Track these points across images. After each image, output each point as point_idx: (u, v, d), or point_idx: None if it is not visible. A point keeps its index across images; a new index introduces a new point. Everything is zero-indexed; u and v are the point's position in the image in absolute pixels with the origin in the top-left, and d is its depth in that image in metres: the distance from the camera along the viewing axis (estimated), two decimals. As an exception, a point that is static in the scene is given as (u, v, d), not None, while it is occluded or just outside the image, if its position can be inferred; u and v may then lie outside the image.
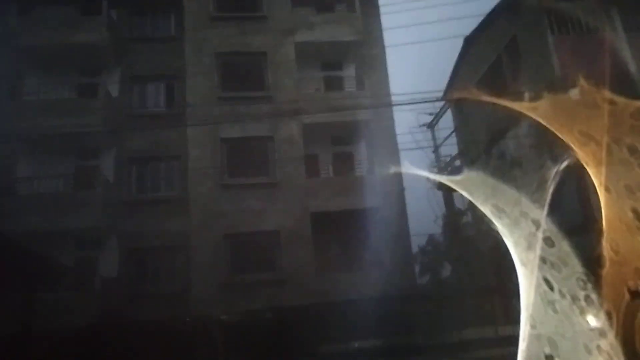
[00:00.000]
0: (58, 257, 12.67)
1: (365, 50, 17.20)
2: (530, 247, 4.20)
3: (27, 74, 15.93)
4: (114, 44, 16.17)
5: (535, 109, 4.71)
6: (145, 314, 12.62)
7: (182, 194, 15.12)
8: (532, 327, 4.09)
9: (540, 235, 4.14)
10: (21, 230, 12.04)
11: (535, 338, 4.06)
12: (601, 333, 3.67)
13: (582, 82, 3.93)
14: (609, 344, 3.65)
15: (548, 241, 4.12)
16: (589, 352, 3.60)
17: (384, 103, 15.83)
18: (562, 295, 3.81)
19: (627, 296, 3.80)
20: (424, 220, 17.23)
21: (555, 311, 3.95)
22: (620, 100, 3.90)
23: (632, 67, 12.03)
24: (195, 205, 14.89)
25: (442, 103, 16.51)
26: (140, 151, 15.52)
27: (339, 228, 15.19)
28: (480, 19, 15.08)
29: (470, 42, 16.49)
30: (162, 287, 14.56)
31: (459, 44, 16.80)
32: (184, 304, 13.49)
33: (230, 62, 16.41)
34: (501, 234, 4.48)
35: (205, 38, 16.41)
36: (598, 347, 3.59)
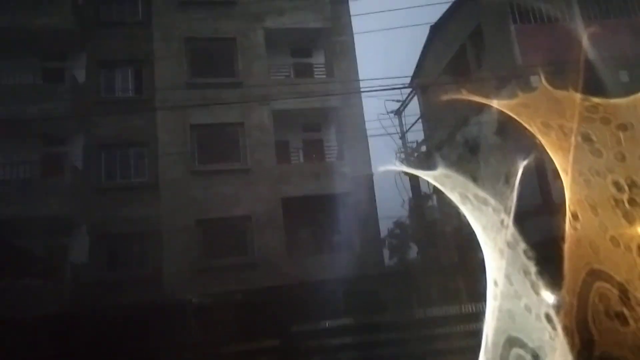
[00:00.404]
0: (27, 245, 12.53)
1: (334, 37, 17.38)
2: (490, 228, 4.57)
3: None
4: (80, 28, 15.83)
5: (499, 102, 5.05)
6: (117, 299, 12.66)
7: (153, 181, 15.10)
8: (495, 299, 4.49)
9: (498, 218, 4.52)
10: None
11: (498, 309, 4.46)
12: (550, 302, 4.08)
13: (542, 78, 4.28)
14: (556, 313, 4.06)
15: (504, 223, 4.50)
16: (539, 319, 3.99)
17: (353, 90, 16.11)
18: (516, 270, 4.20)
19: (583, 273, 4.20)
20: (392, 204, 17.71)
21: (510, 283, 4.35)
22: (577, 95, 4.30)
23: (591, 56, 12.63)
24: (166, 191, 14.91)
25: (409, 90, 16.89)
26: (109, 137, 15.33)
27: (309, 213, 15.51)
28: (447, 7, 15.48)
29: (436, 30, 16.89)
30: (134, 273, 14.59)
31: (426, 31, 17.21)
32: (156, 289, 13.58)
33: (199, 47, 16.34)
34: (467, 217, 4.85)
35: (174, 23, 16.28)
36: (547, 314, 3.99)
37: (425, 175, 5.09)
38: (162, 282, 13.94)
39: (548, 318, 4.11)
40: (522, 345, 4.07)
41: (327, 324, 7.67)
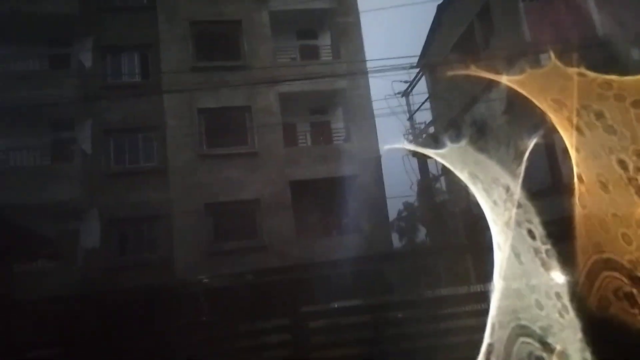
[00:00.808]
0: (38, 230, 12.66)
1: (339, 17, 17.20)
2: (500, 209, 4.55)
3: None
4: (85, 14, 15.78)
5: (510, 79, 4.97)
6: (128, 282, 12.83)
7: (161, 165, 15.17)
8: (505, 280, 4.50)
9: (507, 196, 4.49)
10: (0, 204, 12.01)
11: (505, 289, 4.46)
12: (560, 281, 4.07)
13: (552, 54, 4.21)
14: (566, 291, 4.07)
15: (514, 201, 4.47)
16: (549, 297, 4.00)
17: (359, 71, 15.99)
18: (526, 249, 4.19)
19: (591, 253, 4.18)
20: (400, 185, 17.69)
21: (520, 263, 4.34)
22: (589, 72, 4.23)
23: (601, 32, 12.42)
24: (175, 175, 14.98)
25: (416, 70, 16.72)
26: (117, 122, 15.39)
27: (317, 195, 15.53)
28: (454, -15, 15.22)
29: (443, 8, 16.65)
30: (145, 257, 14.75)
31: (433, 10, 16.98)
32: (166, 273, 13.74)
33: (205, 30, 16.25)
34: (476, 197, 4.82)
35: (179, 6, 16.17)
36: (557, 293, 3.99)
37: (434, 154, 5.05)
38: (172, 265, 14.09)
39: (558, 296, 4.10)
40: (529, 334, 4.05)
41: (336, 304, 7.74)
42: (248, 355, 6.34)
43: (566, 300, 4.10)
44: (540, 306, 4.19)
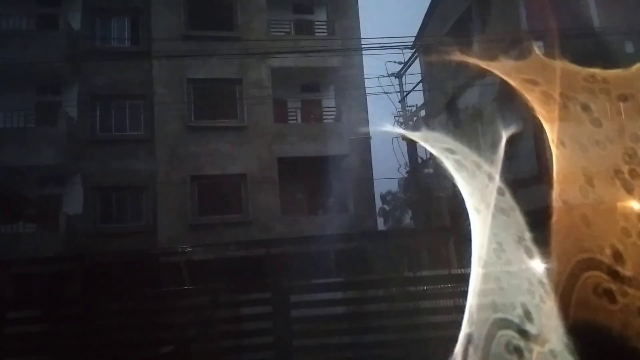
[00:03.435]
0: (21, 192, 12.51)
1: (336, -6, 16.94)
2: (483, 196, 4.55)
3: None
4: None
5: (500, 67, 4.94)
6: (111, 250, 12.78)
7: (148, 134, 14.98)
8: (482, 267, 4.50)
9: (492, 185, 4.48)
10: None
11: (483, 277, 4.47)
12: (543, 269, 4.11)
13: (534, 46, 4.18)
14: (549, 279, 4.10)
15: (500, 190, 4.46)
16: (531, 284, 4.03)
17: (353, 49, 15.81)
18: (510, 237, 4.20)
19: (574, 258, 4.20)
20: (388, 167, 17.70)
21: (502, 251, 4.35)
22: (574, 66, 4.22)
23: (596, 21, 12.41)
24: (161, 145, 14.81)
25: (411, 51, 16.57)
26: (104, 88, 15.11)
27: (305, 173, 15.49)
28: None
29: (442, -10, 16.43)
30: (128, 226, 14.67)
31: (431, -8, 16.73)
32: (149, 242, 13.69)
33: (198, -2, 15.90)
34: (458, 184, 4.80)
35: (172, -28, 15.78)
36: (539, 280, 4.02)
37: (419, 138, 5.03)
38: (155, 235, 14.03)
39: (540, 283, 4.13)
40: (507, 325, 4.07)
41: (317, 280, 7.80)
42: (228, 325, 6.38)
43: (549, 287, 4.13)
44: (520, 293, 4.22)
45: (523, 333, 4.01)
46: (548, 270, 4.14)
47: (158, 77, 15.14)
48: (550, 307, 3.91)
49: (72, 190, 14.39)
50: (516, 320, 4.07)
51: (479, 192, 4.54)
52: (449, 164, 4.72)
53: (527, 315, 4.02)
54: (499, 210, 4.44)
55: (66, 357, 6.12)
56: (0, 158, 12.86)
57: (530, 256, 4.21)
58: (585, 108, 4.26)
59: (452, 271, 6.94)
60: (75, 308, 6.76)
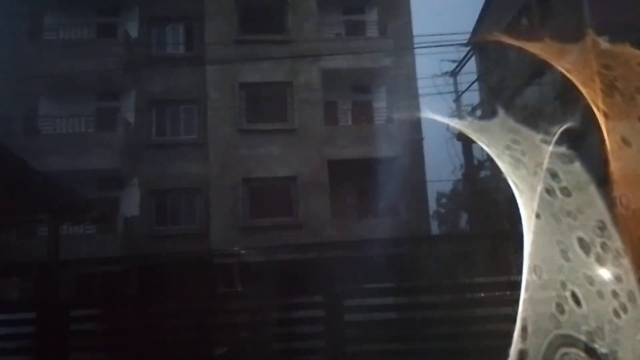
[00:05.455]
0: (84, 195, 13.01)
1: (388, -8, 16.65)
2: (545, 196, 4.13)
3: (45, 13, 15.84)
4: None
5: (562, 58, 4.51)
6: (165, 251, 13.06)
7: (201, 138, 15.25)
8: (539, 276, 4.07)
9: (556, 185, 4.06)
10: (44, 168, 12.34)
11: (540, 287, 4.04)
12: (617, 278, 3.66)
13: (600, 41, 3.77)
14: (626, 289, 3.64)
15: (565, 191, 4.02)
16: (602, 297, 3.60)
17: (405, 48, 15.45)
18: (577, 242, 3.80)
19: None
20: (441, 169, 17.15)
21: (567, 259, 3.92)
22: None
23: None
24: (214, 149, 15.04)
25: (466, 49, 16.00)
26: (160, 94, 15.54)
27: (356, 176, 15.26)
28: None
29: (499, -15, 15.80)
30: (182, 228, 14.97)
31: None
32: (202, 244, 13.91)
33: (250, 3, 16.05)
34: (516, 184, 4.38)
35: (225, -22, 16.03)
36: (613, 291, 3.59)
37: (472, 130, 4.64)
38: (208, 237, 14.23)
39: (614, 294, 3.68)
40: (572, 343, 3.66)
41: (370, 284, 7.61)
42: (281, 328, 6.32)
43: (625, 298, 3.67)
44: (588, 306, 3.78)
45: (591, 352, 3.60)
46: (618, 279, 3.72)
47: (211, 81, 15.40)
48: (626, 322, 3.48)
49: (129, 193, 14.86)
50: (583, 337, 3.65)
51: (541, 192, 4.17)
52: (507, 163, 4.37)
53: (597, 331, 3.61)
54: (564, 213, 4.07)
55: (123, 354, 6.25)
56: (63, 162, 13.45)
57: (601, 264, 3.82)
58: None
59: (512, 278, 6.52)
60: (132, 308, 6.91)
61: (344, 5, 17.21)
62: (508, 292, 5.84)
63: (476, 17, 17.15)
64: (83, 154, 13.88)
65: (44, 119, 15.14)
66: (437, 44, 16.31)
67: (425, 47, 14.90)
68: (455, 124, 4.85)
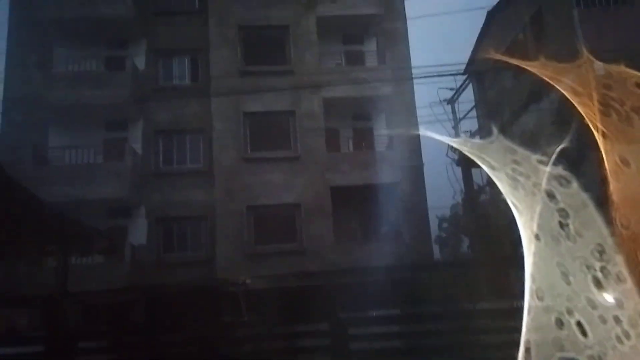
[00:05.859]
0: (92, 225, 13.19)
1: (386, 24, 17.15)
2: (544, 218, 4.22)
3: (55, 46, 16.30)
4: (140, 17, 16.40)
5: (559, 80, 4.74)
6: (172, 280, 13.19)
7: (207, 167, 15.54)
8: (540, 299, 4.15)
9: (554, 206, 4.17)
10: (53, 199, 12.57)
11: (543, 310, 4.11)
12: (618, 304, 3.75)
13: (595, 66, 4.02)
14: (627, 314, 3.72)
15: (562, 212, 4.13)
16: (605, 321, 3.70)
17: (404, 77, 15.86)
18: (577, 266, 3.90)
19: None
20: (442, 195, 17.38)
21: (568, 283, 4.01)
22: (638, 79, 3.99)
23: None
24: (219, 177, 15.31)
25: (463, 77, 16.43)
26: (167, 124, 15.90)
27: (358, 202, 15.49)
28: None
29: (493, 15, 16.32)
30: (188, 255, 15.13)
31: (483, 16, 16.66)
32: (208, 271, 14.05)
33: (253, 35, 16.54)
34: (515, 206, 4.50)
35: (229, 11, 16.54)
36: (615, 317, 3.68)
37: (470, 151, 4.80)
38: (214, 265, 14.38)
39: (616, 319, 3.74)
40: None
41: (375, 312, 7.70)
42: (286, 356, 6.38)
43: (627, 325, 3.72)
44: (593, 333, 3.82)
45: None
46: (620, 305, 3.79)
47: (216, 111, 15.77)
48: (630, 347, 3.58)
49: (137, 222, 15.06)
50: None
51: (539, 214, 4.25)
52: (505, 184, 4.47)
53: (601, 356, 3.68)
54: (563, 235, 4.14)
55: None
56: (72, 192, 13.70)
57: (602, 288, 3.85)
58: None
59: (515, 304, 6.67)
60: (139, 338, 7.03)
61: (344, 36, 17.70)
62: (511, 318, 5.98)
63: (472, 45, 17.64)
64: (92, 183, 14.14)
65: (54, 149, 15.44)
66: (435, 73, 16.69)
67: (423, 77, 15.28)
68: (454, 143, 5.02)
